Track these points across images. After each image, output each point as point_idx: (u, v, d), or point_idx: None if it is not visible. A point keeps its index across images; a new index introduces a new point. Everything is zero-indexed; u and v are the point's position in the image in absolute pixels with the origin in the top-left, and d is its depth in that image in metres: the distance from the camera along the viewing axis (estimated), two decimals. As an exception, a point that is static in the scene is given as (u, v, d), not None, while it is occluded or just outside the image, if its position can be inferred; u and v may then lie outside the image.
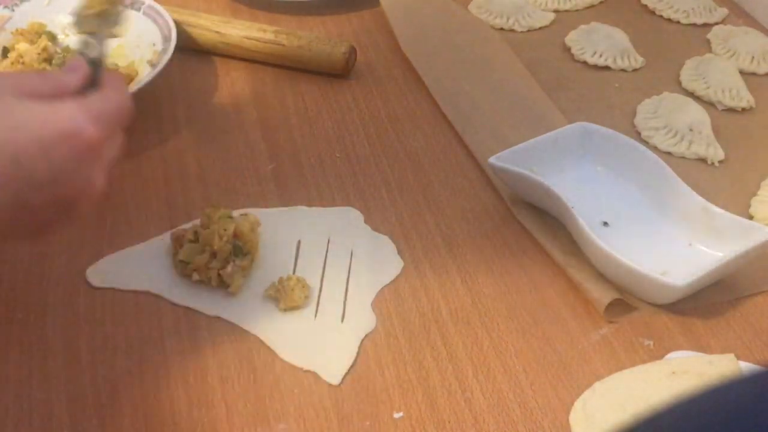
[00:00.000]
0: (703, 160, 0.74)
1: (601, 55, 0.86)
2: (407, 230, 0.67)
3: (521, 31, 0.92)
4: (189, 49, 0.86)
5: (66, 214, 0.48)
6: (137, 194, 0.69)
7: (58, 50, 0.80)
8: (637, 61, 0.86)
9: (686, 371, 0.53)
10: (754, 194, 0.70)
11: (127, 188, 0.69)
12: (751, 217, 0.67)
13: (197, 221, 0.63)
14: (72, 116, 0.47)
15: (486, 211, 0.69)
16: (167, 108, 0.79)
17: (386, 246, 0.65)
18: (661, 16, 0.94)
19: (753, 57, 0.86)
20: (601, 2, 0.97)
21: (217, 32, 0.84)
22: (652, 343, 0.58)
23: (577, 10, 0.96)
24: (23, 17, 0.83)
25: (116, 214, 0.67)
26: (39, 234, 0.49)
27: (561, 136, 0.71)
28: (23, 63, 0.78)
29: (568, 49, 0.89)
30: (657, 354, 0.57)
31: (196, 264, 0.60)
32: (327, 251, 0.64)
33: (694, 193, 0.65)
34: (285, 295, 0.59)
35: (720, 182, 0.72)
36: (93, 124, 0.48)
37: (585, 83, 0.84)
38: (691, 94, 0.81)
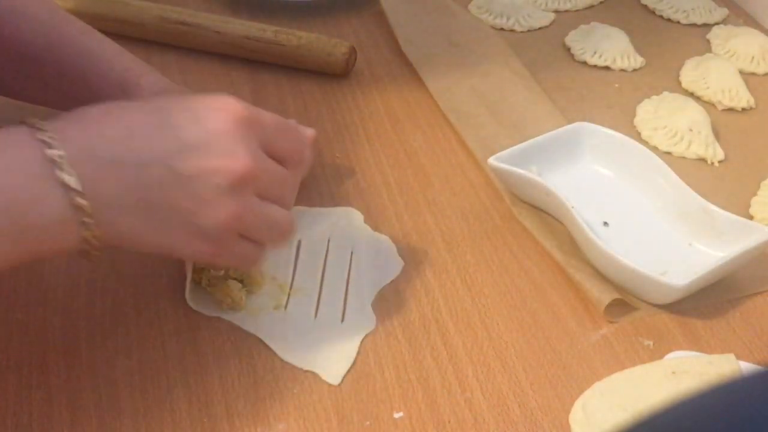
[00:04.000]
0: (703, 160, 0.74)
1: (601, 55, 0.86)
2: (407, 230, 0.67)
3: (521, 31, 0.92)
4: (189, 49, 0.86)
5: (234, 197, 0.48)
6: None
7: None
8: (637, 61, 0.86)
9: (686, 371, 0.53)
10: (754, 194, 0.70)
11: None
12: (751, 217, 0.67)
13: None
14: (226, 99, 0.49)
15: (486, 211, 0.69)
16: (167, 108, 0.79)
17: (386, 246, 0.65)
18: (661, 16, 0.94)
19: (753, 57, 0.86)
20: (601, 2, 0.97)
21: (217, 32, 0.85)
22: (652, 343, 0.58)
23: (577, 10, 0.96)
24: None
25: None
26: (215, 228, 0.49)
27: (561, 136, 0.71)
28: None
29: (568, 49, 0.89)
30: (657, 354, 0.57)
31: (212, 275, 0.59)
32: (327, 251, 0.64)
33: (694, 193, 0.65)
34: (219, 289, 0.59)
35: (720, 182, 0.72)
36: (243, 105, 0.49)
37: (585, 83, 0.84)
38: (691, 94, 0.82)
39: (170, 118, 0.48)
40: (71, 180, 0.44)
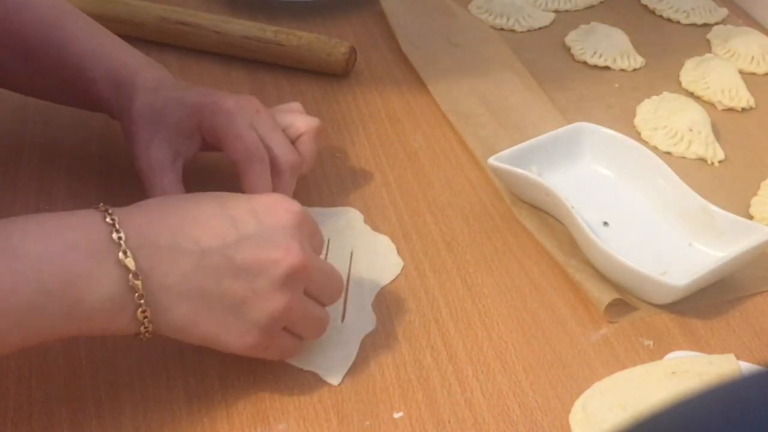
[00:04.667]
0: (703, 160, 0.74)
1: (601, 55, 0.86)
2: (407, 230, 0.67)
3: (521, 31, 0.92)
4: (189, 49, 0.86)
5: (282, 288, 0.49)
6: (139, 193, 0.69)
7: None
8: (637, 61, 0.87)
9: (686, 371, 0.53)
10: (754, 194, 0.70)
11: (129, 185, 0.69)
12: (751, 217, 0.67)
13: None
14: (281, 196, 0.53)
15: (486, 211, 0.69)
16: (167, 108, 0.79)
17: (386, 246, 0.65)
18: (661, 16, 0.94)
19: (753, 57, 0.86)
20: (601, 2, 0.97)
21: (217, 32, 0.85)
22: (652, 343, 0.58)
23: (577, 10, 0.96)
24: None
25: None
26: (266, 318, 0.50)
27: (561, 136, 0.71)
28: None
29: (568, 49, 0.89)
30: (657, 354, 0.57)
31: None
32: (327, 251, 0.64)
33: (694, 193, 0.65)
34: None
35: (720, 182, 0.72)
36: (299, 207, 0.52)
37: (585, 83, 0.84)
38: (691, 94, 0.82)
39: (228, 209, 0.50)
40: (129, 261, 0.46)
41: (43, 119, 0.75)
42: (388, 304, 0.61)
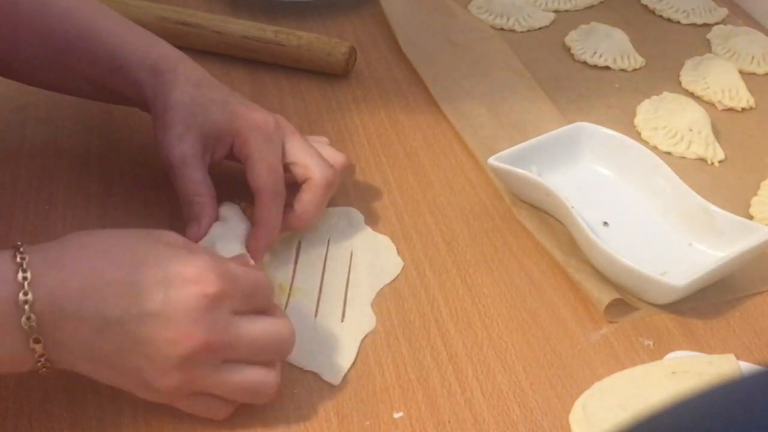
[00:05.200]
0: (703, 160, 0.74)
1: (601, 55, 0.86)
2: (407, 230, 0.67)
3: (521, 31, 0.92)
4: (189, 49, 0.86)
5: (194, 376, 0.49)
6: (140, 192, 0.69)
7: None
8: (637, 61, 0.87)
9: (686, 371, 0.53)
10: (754, 194, 0.70)
11: (129, 185, 0.69)
12: (751, 217, 0.67)
13: None
14: (207, 267, 0.49)
15: (486, 211, 0.69)
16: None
17: (386, 246, 0.65)
18: (661, 16, 0.94)
19: (753, 57, 0.86)
20: (601, 2, 0.97)
21: (217, 32, 0.85)
22: (652, 343, 0.58)
23: (577, 10, 0.96)
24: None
25: (117, 214, 0.67)
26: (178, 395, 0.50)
27: (561, 136, 0.71)
28: None
29: (568, 49, 0.89)
30: (657, 354, 0.57)
31: None
32: (327, 251, 0.64)
33: (694, 193, 0.65)
34: None
35: (720, 182, 0.72)
36: (219, 277, 0.48)
37: (585, 83, 0.84)
38: (691, 94, 0.82)
39: (141, 277, 0.48)
40: (32, 326, 0.46)
41: (44, 119, 0.75)
42: (388, 304, 0.61)
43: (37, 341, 0.46)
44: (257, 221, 0.60)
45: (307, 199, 0.62)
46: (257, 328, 0.50)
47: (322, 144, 0.66)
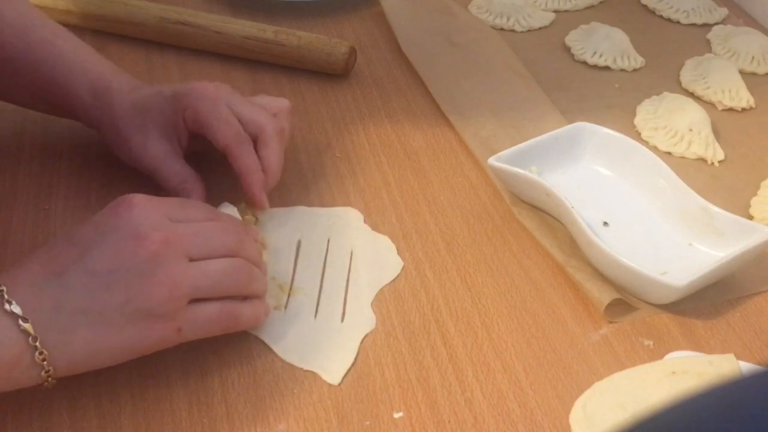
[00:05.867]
0: (703, 160, 0.74)
1: (601, 55, 0.86)
2: (407, 230, 0.67)
3: (521, 31, 0.92)
4: (189, 49, 0.86)
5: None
6: (139, 191, 0.69)
7: None
8: (637, 61, 0.86)
9: (686, 371, 0.53)
10: (754, 194, 0.70)
11: (129, 185, 0.69)
12: (751, 217, 0.67)
13: None
14: (122, 198, 0.52)
15: (486, 211, 0.69)
16: (167, 108, 0.79)
17: (386, 246, 0.65)
18: (661, 16, 0.94)
19: (753, 57, 0.86)
20: (601, 2, 0.97)
21: (217, 32, 0.85)
22: (652, 343, 0.58)
23: (577, 10, 0.96)
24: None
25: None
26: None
27: (561, 136, 0.71)
28: None
29: (568, 49, 0.89)
30: (657, 354, 0.57)
31: None
32: (327, 251, 0.64)
33: (694, 193, 0.65)
34: None
35: (720, 182, 0.72)
36: (154, 227, 0.51)
37: (585, 83, 0.84)
38: (691, 94, 0.82)
39: (70, 237, 0.51)
40: (15, 308, 0.47)
41: (43, 120, 0.75)
42: (388, 304, 0.61)
43: (25, 320, 0.47)
44: (240, 173, 0.62)
45: (267, 153, 0.64)
46: (203, 224, 0.54)
47: (259, 96, 0.68)
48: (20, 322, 0.47)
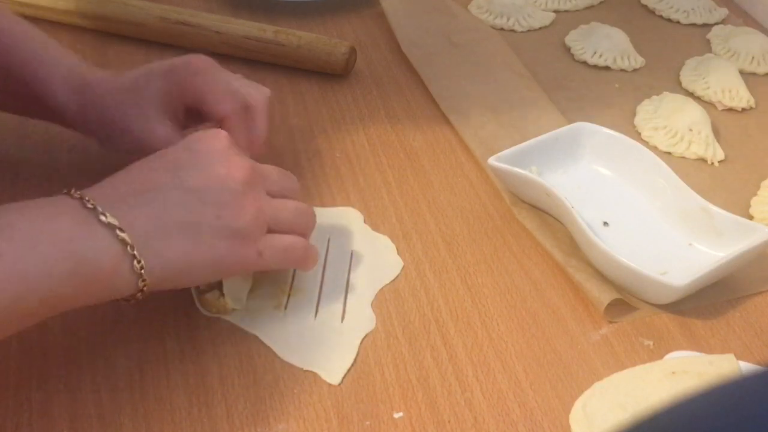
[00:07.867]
0: (703, 160, 0.74)
1: (601, 55, 0.86)
2: (407, 230, 0.67)
3: (521, 31, 0.92)
4: (189, 49, 0.86)
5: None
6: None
7: None
8: (637, 61, 0.86)
9: (686, 371, 0.53)
10: (754, 194, 0.70)
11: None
12: (751, 217, 0.67)
13: None
14: (210, 130, 0.57)
15: (486, 211, 0.69)
16: (167, 108, 0.79)
17: (386, 246, 0.65)
18: (661, 16, 0.94)
19: (753, 57, 0.86)
20: (601, 2, 0.97)
21: (217, 32, 0.85)
22: (652, 343, 0.58)
23: (577, 10, 0.96)
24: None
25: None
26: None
27: (561, 136, 0.71)
28: None
29: (568, 49, 0.89)
30: (657, 354, 0.57)
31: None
32: (327, 251, 0.64)
33: (694, 193, 0.65)
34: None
35: (720, 182, 0.72)
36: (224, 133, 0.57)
37: (585, 83, 0.84)
38: (691, 94, 0.82)
39: (164, 157, 0.55)
40: (111, 219, 0.49)
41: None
42: (388, 304, 0.61)
43: (122, 230, 0.49)
44: (239, 144, 0.60)
45: (258, 123, 0.65)
46: (278, 169, 0.59)
47: (240, 78, 0.69)
48: (118, 232, 0.49)
